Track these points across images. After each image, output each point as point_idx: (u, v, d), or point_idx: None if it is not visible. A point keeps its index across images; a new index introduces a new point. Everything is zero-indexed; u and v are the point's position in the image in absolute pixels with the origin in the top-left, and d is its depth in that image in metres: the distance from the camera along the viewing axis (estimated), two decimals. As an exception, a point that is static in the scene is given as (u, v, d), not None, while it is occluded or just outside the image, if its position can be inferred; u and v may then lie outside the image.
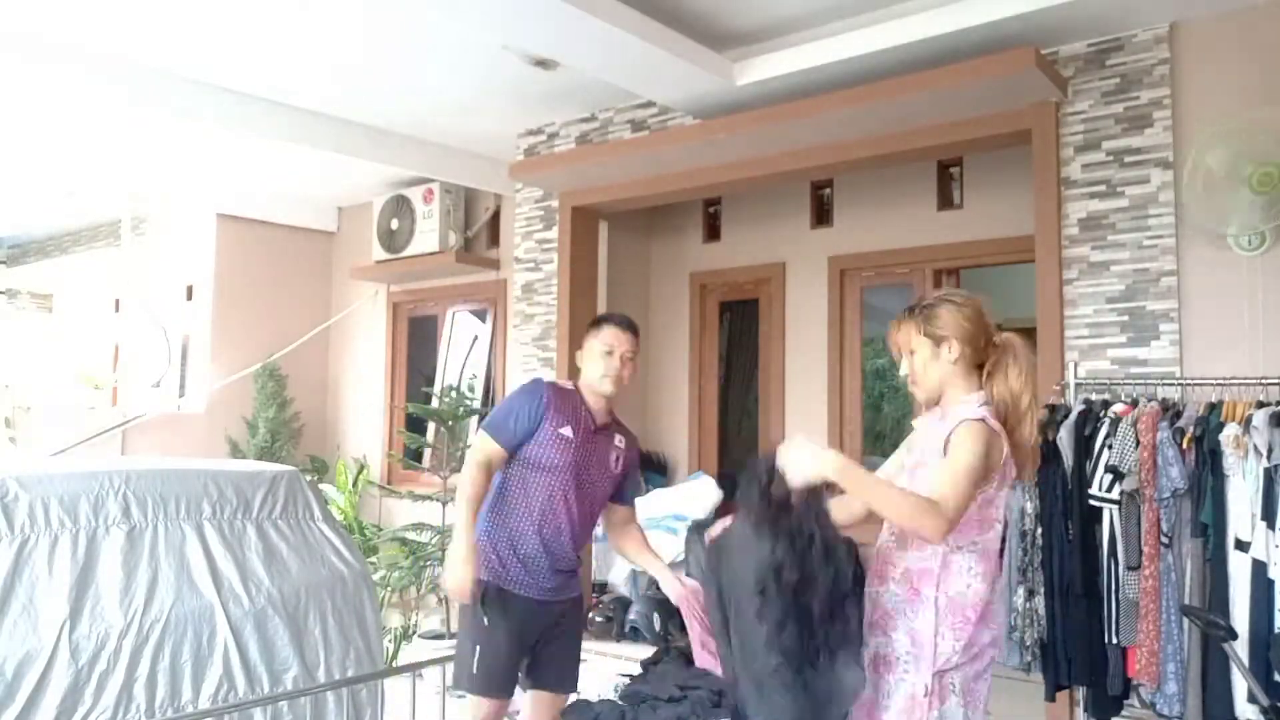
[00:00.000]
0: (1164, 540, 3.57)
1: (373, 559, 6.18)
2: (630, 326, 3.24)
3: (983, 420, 2.27)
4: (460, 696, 3.33)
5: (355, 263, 7.80)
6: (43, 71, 4.83)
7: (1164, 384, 3.97)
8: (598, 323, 3.28)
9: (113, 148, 6.35)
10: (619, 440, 3.27)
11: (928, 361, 2.40)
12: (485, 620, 3.02)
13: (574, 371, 3.41)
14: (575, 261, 5.95)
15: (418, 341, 7.87)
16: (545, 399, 3.10)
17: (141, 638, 2.92)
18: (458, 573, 2.93)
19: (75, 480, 3.04)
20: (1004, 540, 2.51)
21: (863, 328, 6.29)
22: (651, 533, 6.13)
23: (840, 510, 2.39)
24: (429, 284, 7.62)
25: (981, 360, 2.38)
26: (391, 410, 7.78)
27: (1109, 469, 3.65)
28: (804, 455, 2.25)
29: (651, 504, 6.14)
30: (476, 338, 7.42)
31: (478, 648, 3.04)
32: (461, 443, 6.50)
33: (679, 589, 3.00)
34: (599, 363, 3.16)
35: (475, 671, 3.03)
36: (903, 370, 2.47)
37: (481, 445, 3.08)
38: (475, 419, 6.80)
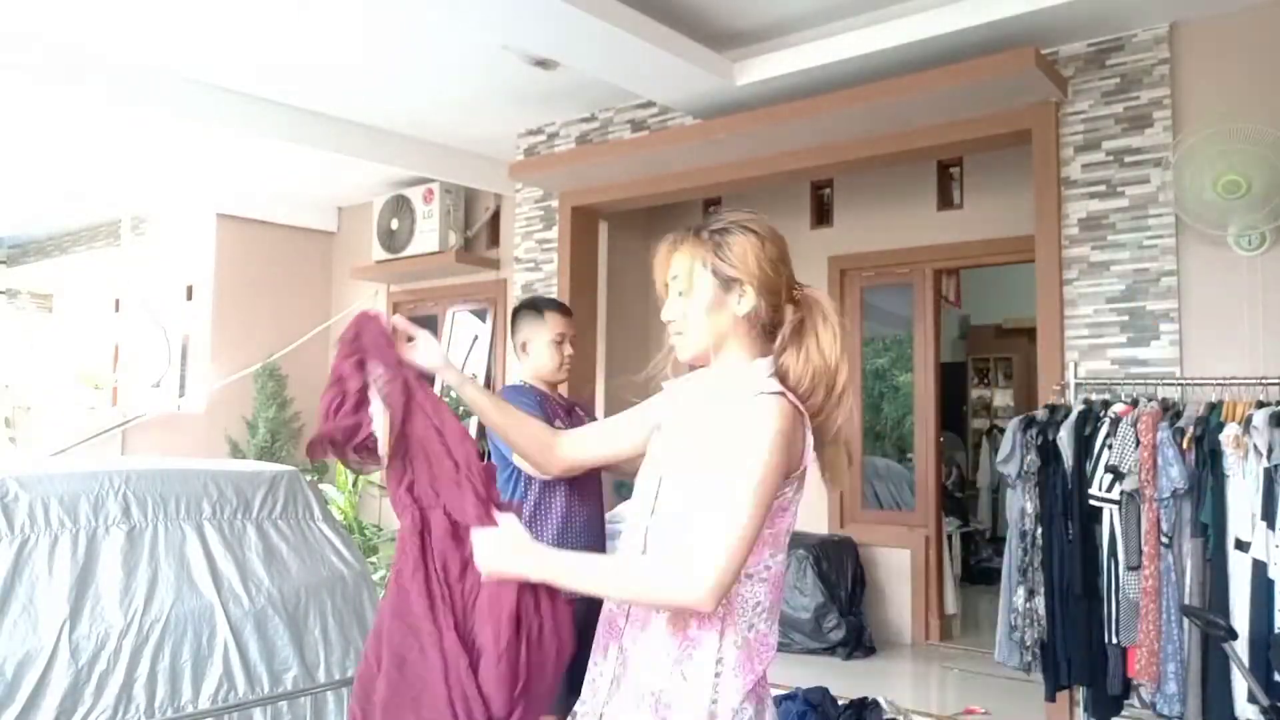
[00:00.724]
0: (1164, 540, 3.57)
1: (373, 559, 6.18)
2: (569, 310, 3.22)
3: (781, 395, 1.64)
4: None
5: (355, 263, 7.80)
6: (43, 72, 4.83)
7: (1164, 384, 3.97)
8: (537, 310, 3.16)
9: (113, 148, 6.35)
10: (579, 412, 3.23)
11: (709, 307, 1.73)
12: None
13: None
14: (575, 261, 5.94)
15: (418, 341, 7.86)
16: (538, 399, 3.05)
17: (141, 638, 2.92)
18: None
19: (75, 480, 3.04)
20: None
21: (863, 328, 6.29)
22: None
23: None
24: (429, 284, 7.62)
25: (775, 320, 1.73)
26: (391, 410, 7.77)
27: (1109, 469, 3.65)
28: (488, 553, 1.75)
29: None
30: (477, 337, 7.42)
31: None
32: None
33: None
34: (551, 352, 3.11)
35: None
36: (667, 312, 1.81)
37: None
38: (475, 419, 6.79)
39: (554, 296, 3.19)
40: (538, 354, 3.14)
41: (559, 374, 3.16)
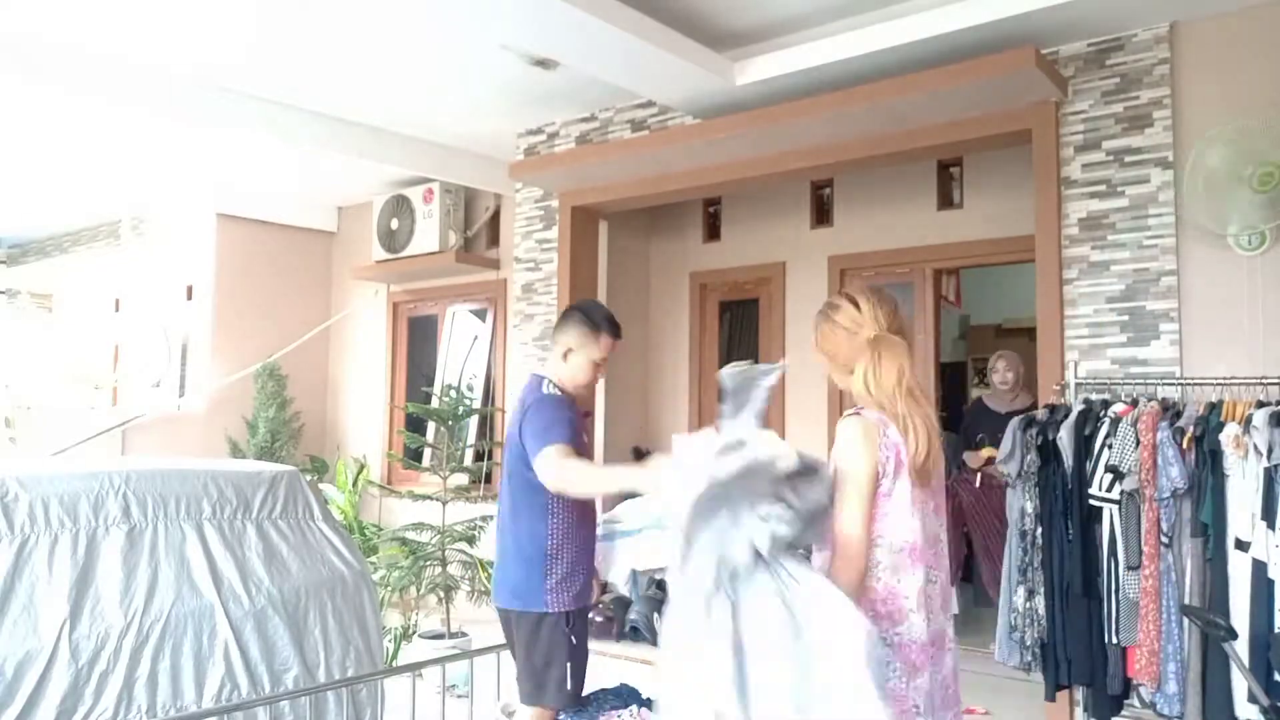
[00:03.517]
0: (1164, 540, 3.57)
1: (373, 559, 6.18)
2: (621, 334, 3.29)
3: (856, 414, 2.25)
4: (461, 696, 3.31)
5: (355, 263, 7.81)
6: (43, 72, 4.83)
7: (1164, 384, 3.97)
8: (594, 326, 3.19)
9: (113, 148, 6.35)
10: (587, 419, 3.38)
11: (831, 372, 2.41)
12: (574, 639, 3.10)
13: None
14: (575, 261, 5.95)
15: (418, 341, 7.87)
16: (573, 415, 3.15)
17: (141, 638, 2.92)
18: (655, 472, 2.63)
19: (75, 480, 3.04)
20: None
21: (863, 328, 6.28)
22: (650, 532, 6.17)
23: None
24: (429, 284, 7.62)
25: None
26: (391, 410, 7.78)
27: (1109, 469, 3.65)
28: None
29: (651, 504, 6.13)
30: (476, 337, 7.42)
31: (568, 665, 3.08)
32: (461, 442, 6.49)
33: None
34: (590, 370, 3.18)
35: (570, 688, 3.08)
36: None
37: (567, 451, 2.98)
38: (475, 419, 6.80)
39: (606, 309, 3.32)
40: (578, 368, 3.18)
41: (587, 390, 3.25)
